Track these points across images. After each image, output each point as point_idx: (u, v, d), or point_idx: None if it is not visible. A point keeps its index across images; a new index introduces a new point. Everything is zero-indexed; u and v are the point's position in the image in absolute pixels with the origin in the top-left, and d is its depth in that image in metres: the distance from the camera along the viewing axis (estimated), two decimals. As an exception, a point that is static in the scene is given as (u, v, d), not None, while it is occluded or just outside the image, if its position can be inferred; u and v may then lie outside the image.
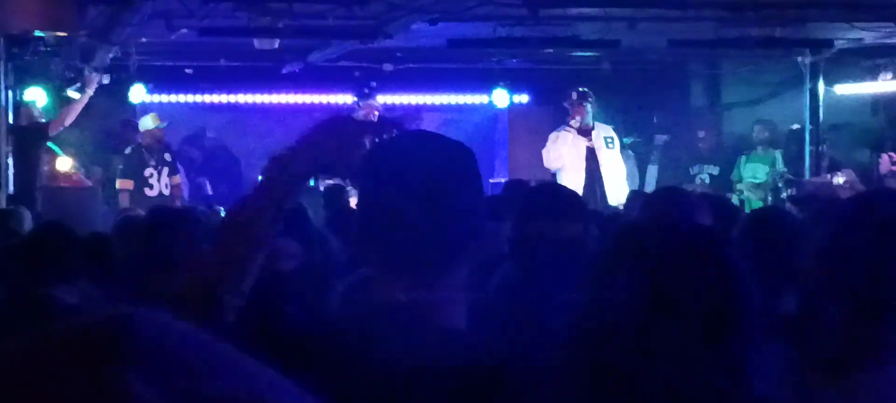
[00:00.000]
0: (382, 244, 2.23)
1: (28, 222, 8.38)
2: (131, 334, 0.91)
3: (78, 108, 13.20)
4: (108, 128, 15.55)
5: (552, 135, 13.25)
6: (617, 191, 12.49)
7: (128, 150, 14.62)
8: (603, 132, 13.08)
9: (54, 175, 13.40)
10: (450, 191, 2.23)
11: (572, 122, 13.09)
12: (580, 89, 13.25)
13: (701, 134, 15.41)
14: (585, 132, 12.98)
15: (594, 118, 13.21)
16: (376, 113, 13.52)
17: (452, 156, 2.32)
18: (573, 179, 12.57)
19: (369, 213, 2.26)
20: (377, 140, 2.28)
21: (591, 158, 12.87)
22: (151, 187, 13.96)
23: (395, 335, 2.15)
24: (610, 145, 12.99)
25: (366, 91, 15.01)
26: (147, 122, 14.31)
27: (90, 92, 13.29)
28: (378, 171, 2.27)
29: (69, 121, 13.19)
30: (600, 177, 12.73)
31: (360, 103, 14.46)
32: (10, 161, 11.72)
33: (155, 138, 14.11)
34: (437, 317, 2.21)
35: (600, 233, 6.20)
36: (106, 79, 13.69)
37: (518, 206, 4.09)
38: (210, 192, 15.47)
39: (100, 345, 0.90)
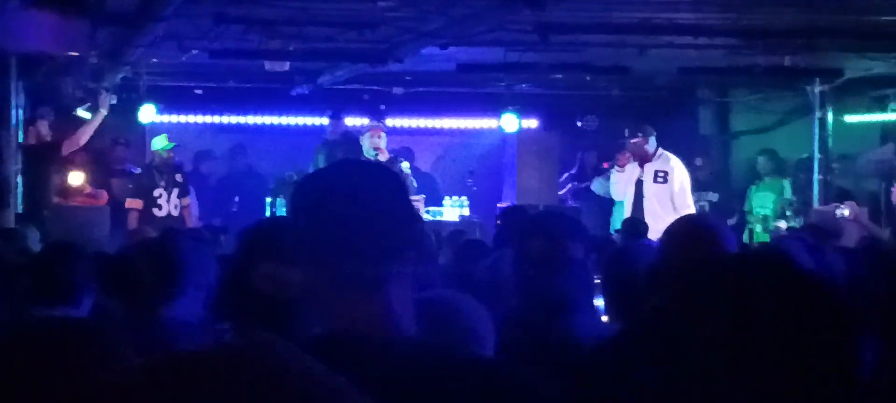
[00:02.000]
0: (324, 266, 2.32)
1: (35, 242, 8.39)
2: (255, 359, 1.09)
3: (92, 128, 13.21)
4: (104, 148, 15.57)
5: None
6: (664, 226, 12.13)
7: (138, 170, 14.67)
8: (657, 166, 12.96)
9: (66, 190, 13.40)
10: (378, 212, 2.33)
11: (618, 165, 13.22)
12: (630, 129, 13.23)
13: (698, 162, 15.39)
14: (642, 164, 12.99)
15: (657, 148, 13.14)
16: (382, 133, 13.54)
17: (379, 180, 2.41)
18: (626, 210, 12.92)
19: (305, 239, 2.36)
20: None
21: (638, 191, 12.92)
22: (160, 208, 13.98)
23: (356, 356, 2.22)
24: (659, 180, 12.90)
25: (383, 108, 15.17)
26: (158, 143, 14.35)
27: (104, 111, 13.30)
28: (310, 200, 2.39)
29: (83, 140, 13.19)
30: (642, 210, 12.70)
31: (371, 123, 14.60)
32: (20, 179, 11.73)
33: (164, 160, 14.14)
34: (388, 328, 2.30)
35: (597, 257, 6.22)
36: (114, 100, 13.71)
37: (519, 229, 4.11)
38: (235, 209, 15.55)
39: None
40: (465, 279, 5.48)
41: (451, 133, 17.54)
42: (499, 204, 15.45)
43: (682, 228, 3.72)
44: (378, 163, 2.66)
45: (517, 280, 4.04)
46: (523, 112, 16.71)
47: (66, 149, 13.02)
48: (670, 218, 12.09)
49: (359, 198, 2.33)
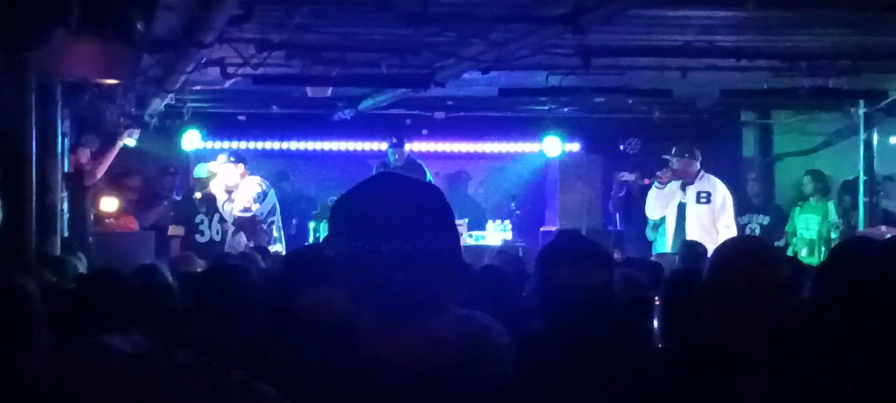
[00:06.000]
0: (369, 293, 2.21)
1: (81, 270, 8.44)
2: None
3: (107, 161, 13.26)
4: (154, 175, 15.68)
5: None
6: (709, 246, 12.15)
7: (179, 197, 14.76)
8: (700, 187, 13.15)
9: (100, 216, 13.50)
10: (432, 236, 2.21)
11: (658, 181, 13.36)
12: (679, 148, 13.36)
13: (750, 185, 15.34)
14: (685, 186, 13.17)
15: (700, 170, 13.34)
16: (238, 166, 13.95)
17: (429, 200, 2.28)
18: (668, 233, 13.16)
19: (350, 262, 2.24)
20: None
21: (680, 213, 13.09)
22: (202, 233, 14.05)
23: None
24: (703, 200, 13.06)
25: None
26: (201, 171, 14.44)
27: (119, 145, 13.37)
28: (358, 220, 2.25)
29: (100, 173, 13.25)
30: (684, 232, 12.81)
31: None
32: (66, 206, 11.83)
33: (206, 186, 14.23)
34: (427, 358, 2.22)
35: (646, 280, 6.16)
36: (136, 135, 13.79)
37: (541, 255, 4.06)
38: (294, 232, 15.74)
39: None
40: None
41: (494, 157, 17.54)
42: (542, 228, 15.44)
43: (733, 251, 3.68)
44: (422, 183, 2.56)
45: (543, 306, 3.99)
46: (565, 135, 16.70)
47: (87, 181, 13.09)
48: (713, 239, 12.23)
49: (399, 222, 2.20)
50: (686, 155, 13.18)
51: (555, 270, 3.85)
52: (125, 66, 8.76)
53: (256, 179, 14.11)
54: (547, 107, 15.61)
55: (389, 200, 2.25)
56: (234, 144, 16.69)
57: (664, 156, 13.44)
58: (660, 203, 13.38)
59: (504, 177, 17.65)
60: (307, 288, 3.26)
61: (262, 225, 13.85)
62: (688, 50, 10.82)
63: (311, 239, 14.64)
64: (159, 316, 5.04)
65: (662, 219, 13.48)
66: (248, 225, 13.67)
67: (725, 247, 3.74)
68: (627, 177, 15.54)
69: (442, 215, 2.26)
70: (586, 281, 3.79)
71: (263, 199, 13.90)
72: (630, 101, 14.31)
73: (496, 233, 15.28)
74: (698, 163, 13.26)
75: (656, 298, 4.70)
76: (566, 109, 15.72)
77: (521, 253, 13.07)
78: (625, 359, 3.66)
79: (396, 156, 15.27)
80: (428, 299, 2.21)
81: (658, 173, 13.46)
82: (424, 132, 16.58)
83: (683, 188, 13.19)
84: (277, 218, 14.30)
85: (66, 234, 11.31)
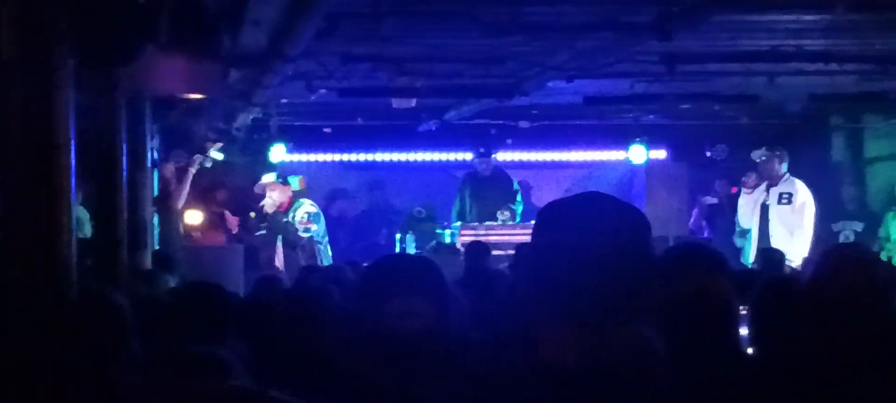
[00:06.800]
0: (553, 299, 2.29)
1: (173, 283, 8.53)
2: None
3: (187, 184, 13.29)
4: (243, 186, 15.80)
5: None
6: (791, 249, 12.09)
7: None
8: (783, 188, 13.00)
9: (186, 230, 13.61)
10: (624, 255, 2.31)
11: (744, 187, 13.32)
12: (759, 151, 13.23)
13: (846, 180, 15.15)
14: (769, 187, 13.04)
15: (786, 173, 13.18)
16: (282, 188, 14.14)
17: (628, 221, 2.39)
18: (753, 236, 13.04)
19: (543, 270, 2.33)
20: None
21: (763, 215, 12.95)
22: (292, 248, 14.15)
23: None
24: (784, 201, 12.89)
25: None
26: (294, 184, 14.56)
27: (195, 167, 13.43)
28: (556, 227, 2.37)
29: (182, 198, 13.25)
30: (768, 234, 12.69)
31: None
32: (156, 220, 11.96)
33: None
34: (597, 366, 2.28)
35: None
36: (209, 161, 13.91)
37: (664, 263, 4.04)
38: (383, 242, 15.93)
39: None
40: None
41: (579, 165, 17.48)
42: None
43: (837, 257, 3.64)
44: (626, 205, 2.66)
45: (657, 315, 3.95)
46: (651, 143, 16.59)
47: (173, 202, 13.16)
48: (796, 240, 12.06)
49: (601, 239, 2.31)
50: (769, 153, 13.04)
51: (675, 277, 3.83)
52: (212, 81, 8.86)
53: (307, 201, 14.21)
54: (632, 115, 15.52)
55: (595, 214, 2.38)
56: (320, 157, 16.82)
57: (753, 152, 13.32)
58: (749, 209, 13.27)
59: (590, 185, 17.57)
60: (394, 297, 3.27)
61: (320, 246, 13.96)
62: (775, 55, 10.71)
63: (397, 250, 14.68)
64: (259, 329, 5.06)
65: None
66: (307, 247, 13.79)
67: (829, 254, 3.70)
68: (710, 201, 15.49)
69: (642, 233, 2.39)
70: (708, 289, 3.78)
71: (319, 220, 14.02)
72: (716, 108, 14.20)
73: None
74: (784, 165, 13.06)
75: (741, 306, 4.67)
76: (652, 116, 15.62)
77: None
78: (723, 365, 3.64)
79: (483, 166, 15.31)
80: (619, 309, 2.30)
81: (743, 178, 13.35)
82: (509, 142, 16.57)
83: (768, 190, 13.06)
84: (327, 238, 14.43)
85: (156, 247, 11.45)
